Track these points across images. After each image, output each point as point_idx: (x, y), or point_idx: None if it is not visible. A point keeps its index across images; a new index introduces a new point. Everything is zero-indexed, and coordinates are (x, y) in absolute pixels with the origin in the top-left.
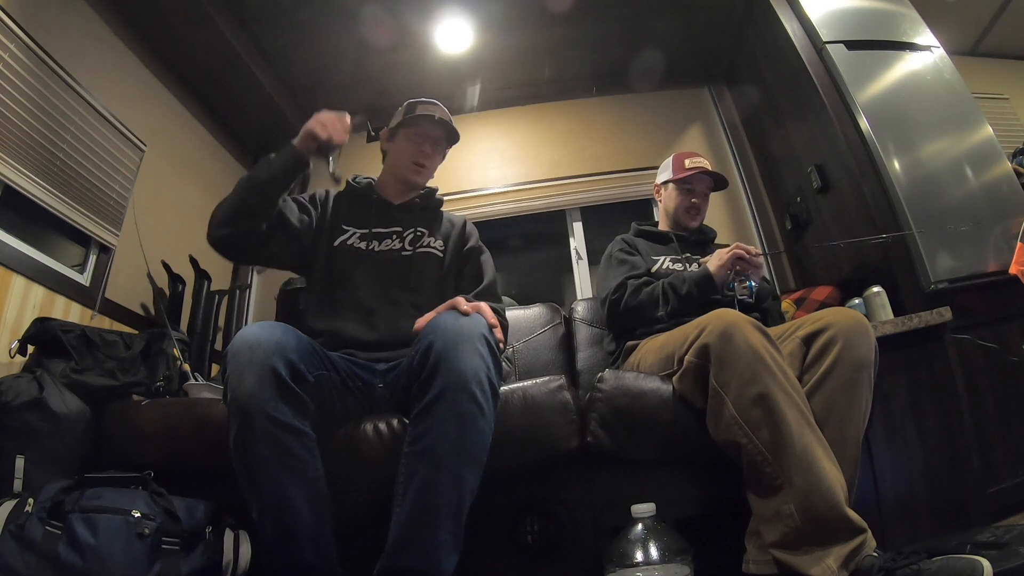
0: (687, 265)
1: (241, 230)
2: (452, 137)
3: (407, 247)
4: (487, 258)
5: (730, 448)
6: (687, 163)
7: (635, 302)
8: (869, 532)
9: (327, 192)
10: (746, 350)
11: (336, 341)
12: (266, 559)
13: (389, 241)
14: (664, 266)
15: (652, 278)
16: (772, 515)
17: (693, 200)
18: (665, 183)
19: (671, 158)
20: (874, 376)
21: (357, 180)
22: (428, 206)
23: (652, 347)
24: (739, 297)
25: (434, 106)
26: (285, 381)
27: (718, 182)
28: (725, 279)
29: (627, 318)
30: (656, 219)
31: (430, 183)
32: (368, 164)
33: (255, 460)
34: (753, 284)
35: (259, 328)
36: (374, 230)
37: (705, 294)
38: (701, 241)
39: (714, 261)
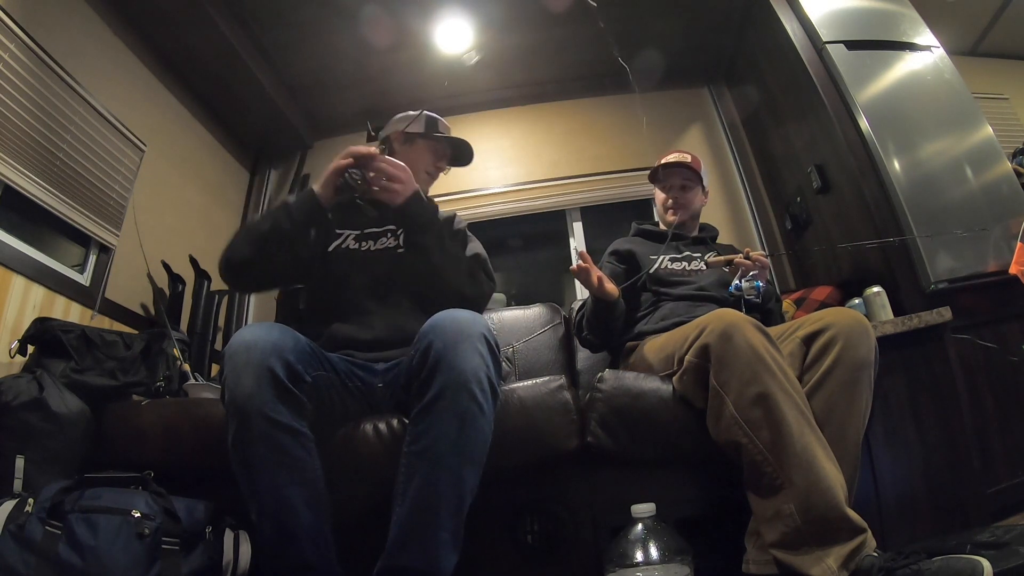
0: (686, 264)
1: (262, 273)
2: (461, 160)
3: (401, 244)
4: (476, 246)
5: (730, 448)
6: (661, 160)
7: (581, 329)
8: (869, 532)
9: None
10: (746, 350)
11: (334, 342)
12: (265, 560)
13: (384, 240)
14: (663, 265)
15: (649, 281)
16: (772, 515)
17: (668, 195)
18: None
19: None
20: (874, 376)
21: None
22: None
23: (652, 347)
24: (746, 297)
25: (448, 126)
26: (282, 382)
27: (689, 169)
28: (608, 298)
29: (588, 340)
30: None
31: None
32: None
33: (253, 460)
34: (760, 284)
35: (256, 329)
36: (367, 230)
37: (600, 314)
38: (701, 240)
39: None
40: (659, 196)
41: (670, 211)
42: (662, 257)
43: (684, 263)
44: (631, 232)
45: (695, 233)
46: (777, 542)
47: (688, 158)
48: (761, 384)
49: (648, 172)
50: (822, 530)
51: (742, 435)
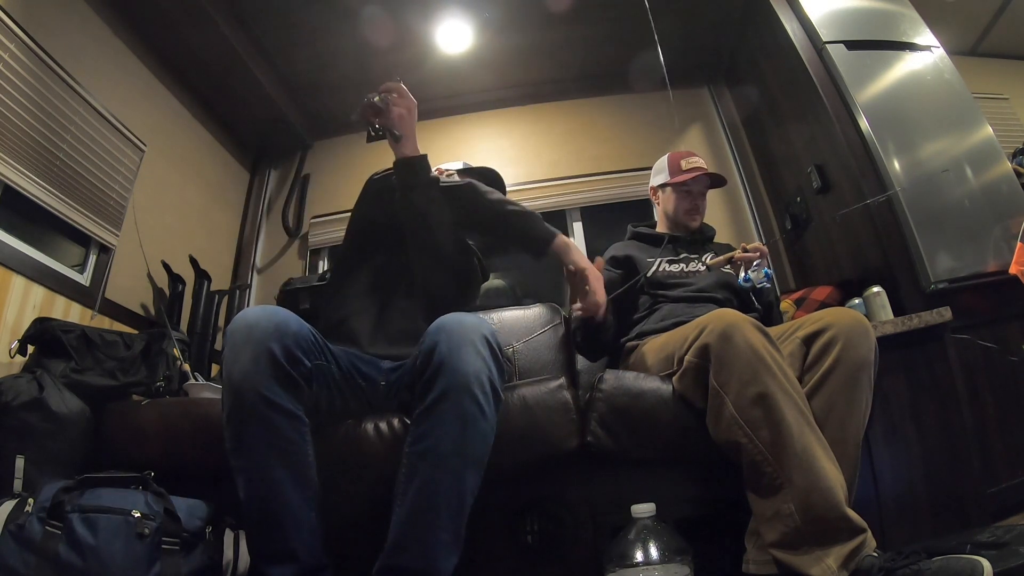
0: (684, 265)
1: None
2: None
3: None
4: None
5: (730, 448)
6: (684, 164)
7: (577, 335)
8: (869, 532)
9: None
10: (746, 350)
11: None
12: (250, 543)
13: None
14: (660, 268)
15: (645, 284)
16: (772, 515)
17: (692, 201)
18: (663, 186)
19: (665, 159)
20: (874, 376)
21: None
22: None
23: (652, 347)
24: (758, 286)
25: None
26: (280, 363)
27: (716, 179)
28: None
29: (580, 347)
30: (655, 219)
31: None
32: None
33: (245, 438)
34: (768, 271)
35: (260, 310)
36: None
37: (587, 330)
38: (699, 240)
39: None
40: (676, 199)
41: (695, 218)
42: (659, 260)
43: (682, 264)
44: (627, 236)
45: (693, 234)
46: (777, 542)
47: (705, 164)
48: (761, 384)
49: (655, 171)
50: (822, 530)
51: (742, 435)
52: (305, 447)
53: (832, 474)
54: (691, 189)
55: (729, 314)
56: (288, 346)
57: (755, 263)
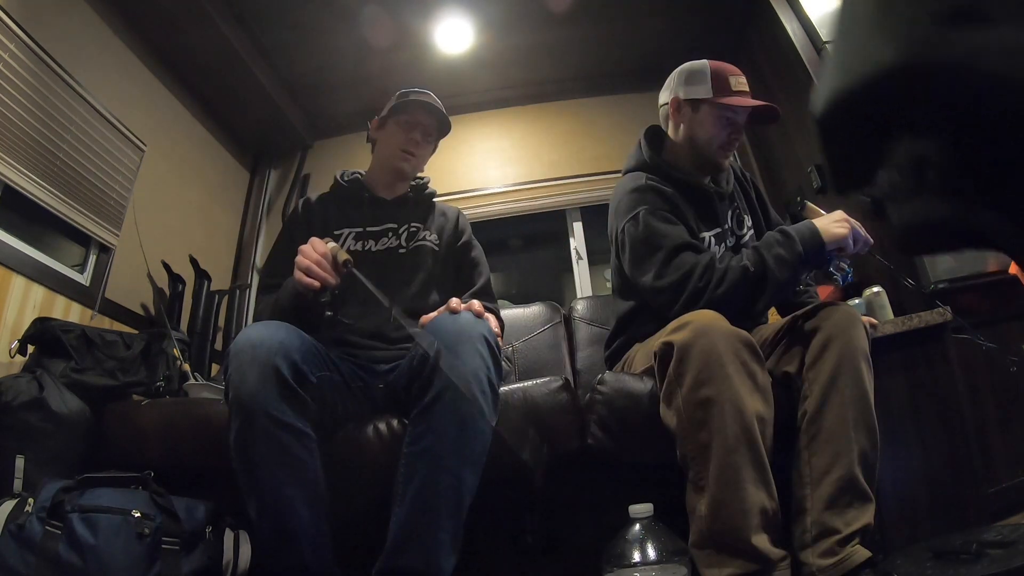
0: (733, 239)
1: None
2: (443, 128)
3: (403, 244)
4: (479, 255)
5: (672, 434)
6: (733, 83)
7: (719, 295)
8: (782, 566)
9: (307, 200)
10: (710, 352)
11: (335, 340)
12: (264, 559)
13: (385, 239)
14: (711, 246)
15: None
16: (692, 510)
17: (734, 136)
18: (699, 102)
19: (706, 65)
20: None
21: (344, 177)
22: (420, 200)
23: (646, 348)
24: (835, 275)
25: (425, 95)
26: (287, 381)
27: (766, 113)
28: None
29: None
30: (665, 145)
31: (424, 175)
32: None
33: (255, 459)
34: (849, 269)
35: (263, 327)
36: (368, 228)
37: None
38: (724, 192)
39: (830, 224)
40: (715, 126)
41: (728, 156)
42: (707, 234)
43: (729, 239)
44: (643, 181)
45: (719, 186)
46: (694, 541)
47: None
48: (712, 389)
49: (685, 79)
50: (724, 543)
51: (681, 429)
52: (314, 463)
53: (754, 500)
54: (737, 118)
55: (707, 315)
56: (295, 362)
57: (859, 245)
